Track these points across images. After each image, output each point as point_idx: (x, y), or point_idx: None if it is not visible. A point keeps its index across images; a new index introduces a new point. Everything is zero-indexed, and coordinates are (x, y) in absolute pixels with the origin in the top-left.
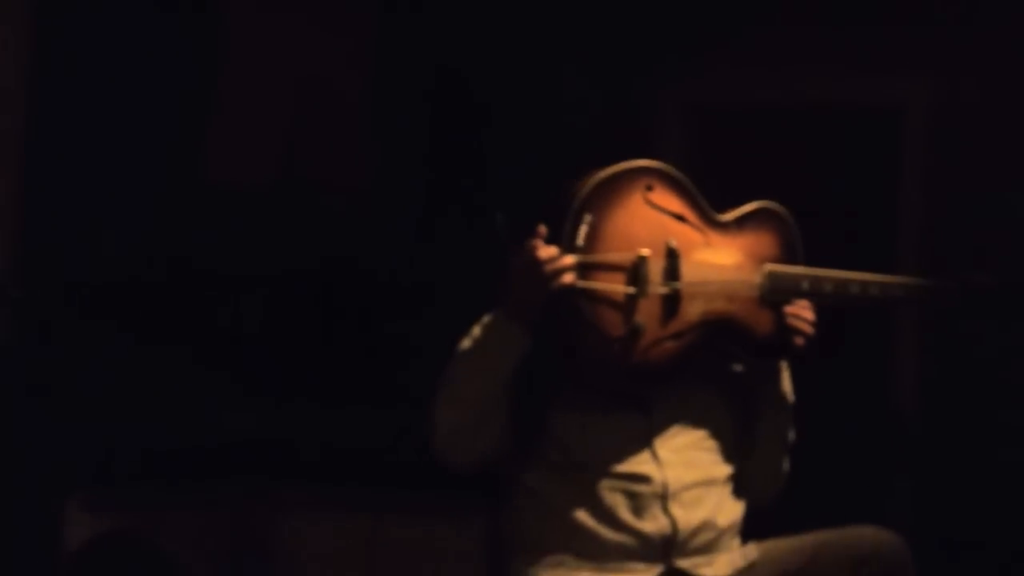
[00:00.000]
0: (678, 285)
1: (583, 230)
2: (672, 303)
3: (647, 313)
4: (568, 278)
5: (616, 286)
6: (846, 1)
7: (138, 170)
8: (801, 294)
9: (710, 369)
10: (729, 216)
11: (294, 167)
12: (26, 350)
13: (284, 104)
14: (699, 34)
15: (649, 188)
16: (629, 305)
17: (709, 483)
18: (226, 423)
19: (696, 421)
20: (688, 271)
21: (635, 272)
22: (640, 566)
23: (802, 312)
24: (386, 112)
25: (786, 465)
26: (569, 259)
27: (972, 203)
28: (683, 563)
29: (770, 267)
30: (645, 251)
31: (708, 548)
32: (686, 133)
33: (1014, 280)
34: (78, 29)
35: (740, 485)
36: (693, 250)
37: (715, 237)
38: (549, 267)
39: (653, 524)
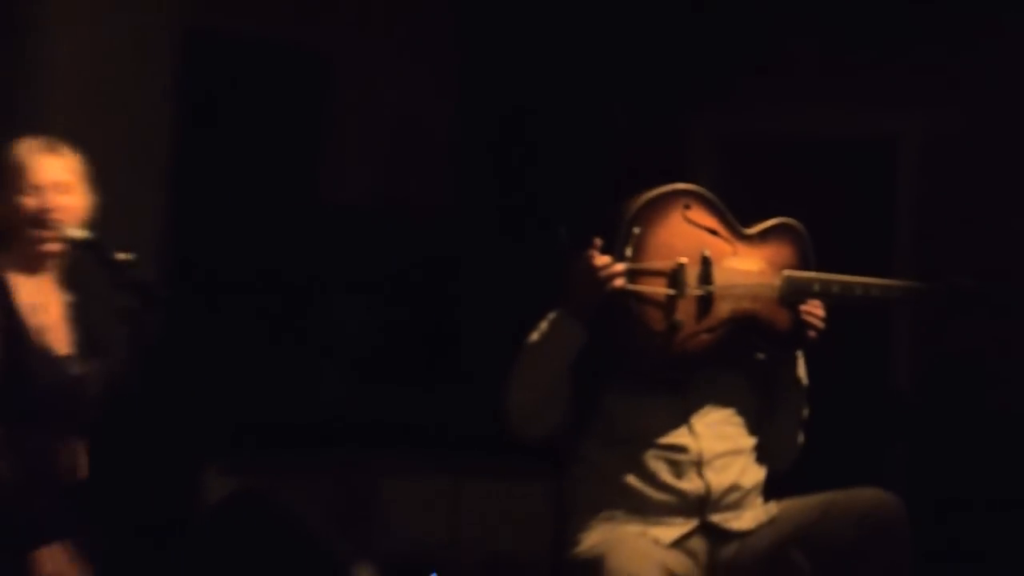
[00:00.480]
0: (711, 288)
1: (632, 241)
2: (705, 303)
3: (685, 311)
4: (619, 282)
5: (659, 289)
6: (848, 48)
7: (265, 191)
8: (813, 295)
9: (737, 357)
10: (753, 230)
11: (390, 190)
12: (173, 342)
13: (383, 140)
14: (728, 79)
15: (687, 207)
16: (670, 305)
17: (736, 452)
18: (335, 402)
19: (725, 400)
20: (719, 276)
21: (675, 277)
22: (679, 520)
23: (814, 310)
24: (464, 145)
25: (801, 437)
26: (620, 266)
27: (957, 219)
28: (715, 518)
29: (787, 272)
30: (683, 259)
31: (736, 505)
32: (717, 160)
33: (992, 283)
34: (220, 77)
35: (762, 453)
36: (723, 258)
37: (742, 247)
38: (603, 273)
39: (690, 485)
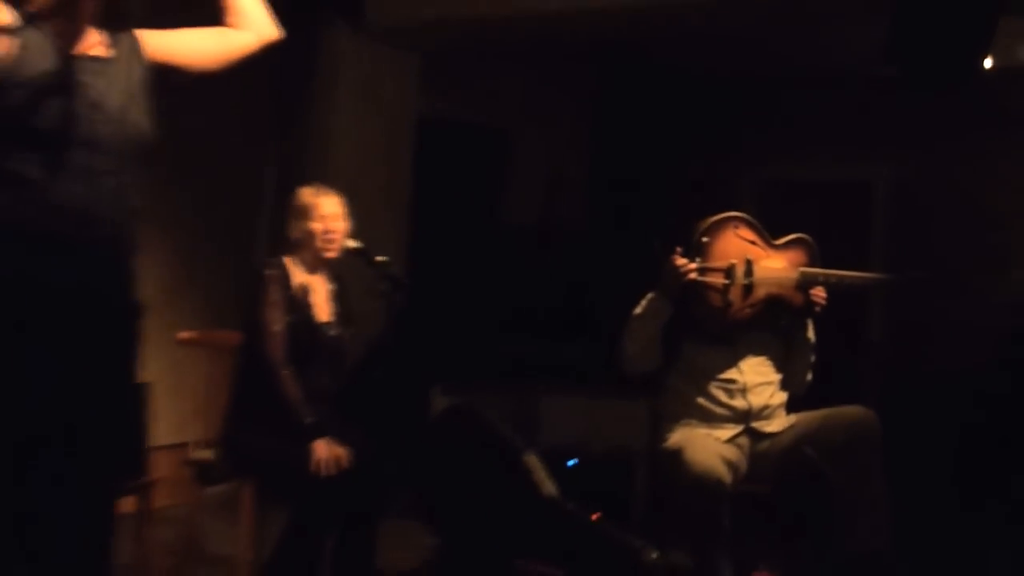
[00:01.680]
0: (752, 280)
1: (701, 249)
2: (748, 289)
3: (735, 294)
4: (693, 276)
5: (718, 280)
6: (836, 122)
7: (464, 216)
8: (819, 283)
9: (770, 323)
10: (779, 241)
11: (546, 217)
12: (414, 314)
13: (542, 184)
14: (760, 149)
15: (737, 227)
16: (725, 290)
17: (768, 383)
18: (513, 352)
19: (761, 350)
20: (757, 272)
21: (729, 272)
22: (731, 426)
23: (820, 293)
24: (596, 188)
25: (810, 374)
26: (693, 265)
27: (913, 236)
28: (755, 424)
29: (802, 269)
30: (734, 261)
31: (768, 416)
32: (756, 197)
33: (935, 275)
34: (440, 146)
35: (785, 384)
36: (760, 260)
37: (772, 253)
38: (683, 269)
39: (739, 403)
